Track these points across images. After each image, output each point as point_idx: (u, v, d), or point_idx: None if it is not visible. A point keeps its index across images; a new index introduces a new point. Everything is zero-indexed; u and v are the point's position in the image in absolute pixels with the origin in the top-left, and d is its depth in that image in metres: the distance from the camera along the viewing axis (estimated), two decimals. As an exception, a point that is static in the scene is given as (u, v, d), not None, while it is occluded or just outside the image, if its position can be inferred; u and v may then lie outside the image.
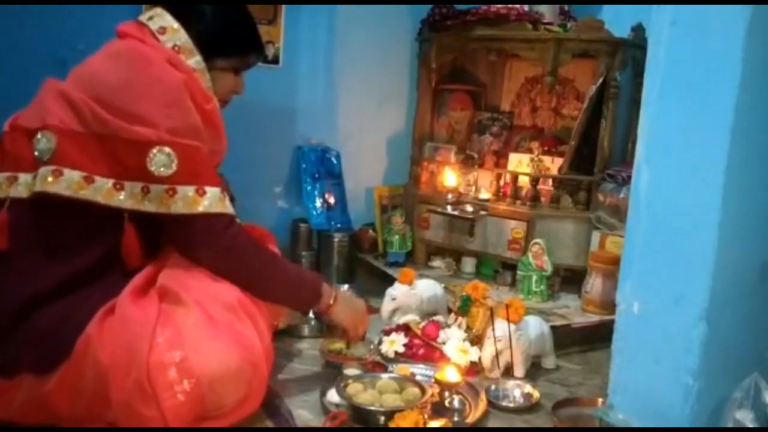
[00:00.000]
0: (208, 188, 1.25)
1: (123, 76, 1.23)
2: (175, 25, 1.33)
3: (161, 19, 1.34)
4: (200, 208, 1.23)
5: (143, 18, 1.35)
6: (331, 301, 1.44)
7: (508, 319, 1.57)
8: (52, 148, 1.20)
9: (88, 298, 1.21)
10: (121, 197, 1.21)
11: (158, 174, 1.20)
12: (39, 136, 1.21)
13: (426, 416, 1.30)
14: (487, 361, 1.59)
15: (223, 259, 1.29)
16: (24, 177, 1.23)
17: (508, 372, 1.61)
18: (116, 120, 1.19)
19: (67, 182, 1.19)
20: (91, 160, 1.21)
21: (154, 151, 1.20)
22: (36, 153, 1.21)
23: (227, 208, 1.28)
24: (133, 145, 1.19)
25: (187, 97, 1.26)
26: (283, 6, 2.24)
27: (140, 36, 1.31)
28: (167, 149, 1.20)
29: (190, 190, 1.23)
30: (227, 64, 1.41)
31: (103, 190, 1.20)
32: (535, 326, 1.64)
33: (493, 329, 1.58)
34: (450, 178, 2.28)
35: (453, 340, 1.63)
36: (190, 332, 1.18)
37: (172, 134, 1.21)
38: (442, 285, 1.93)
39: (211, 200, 1.25)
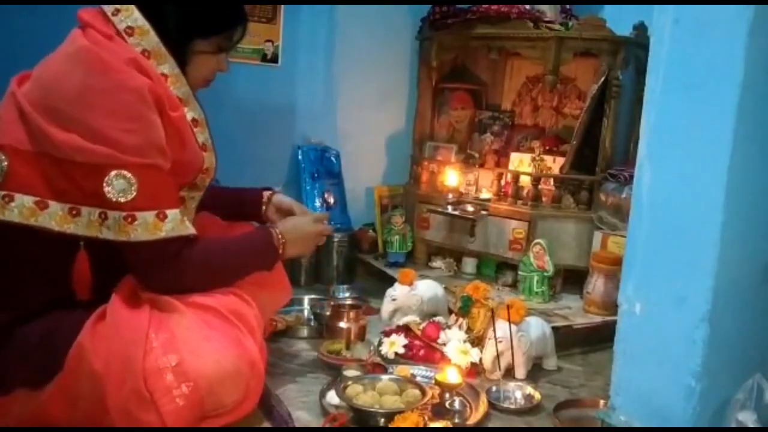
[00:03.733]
0: (169, 211, 1.19)
1: (80, 84, 1.13)
2: (145, 25, 1.22)
3: (129, 15, 1.23)
4: (162, 233, 1.17)
5: (108, 10, 1.24)
6: (281, 249, 1.39)
7: (509, 320, 1.56)
8: (3, 170, 1.14)
9: (68, 313, 1.19)
10: (77, 224, 1.15)
11: (116, 200, 1.13)
12: None
13: (426, 418, 1.29)
14: (487, 363, 1.58)
15: (175, 283, 1.23)
16: None
17: (509, 373, 1.60)
18: (70, 139, 1.11)
19: (18, 208, 1.13)
20: (45, 183, 1.14)
21: (113, 174, 1.12)
22: None
23: (188, 228, 1.22)
24: (90, 168, 1.12)
25: (149, 108, 1.16)
26: (283, 5, 2.24)
27: (106, 31, 1.21)
28: (126, 173, 1.13)
29: (150, 216, 1.16)
30: (209, 47, 1.32)
31: (57, 217, 1.14)
32: (537, 327, 1.63)
33: (494, 330, 1.57)
34: (450, 177, 2.27)
35: (453, 341, 1.62)
36: (184, 335, 1.17)
37: (133, 154, 1.13)
38: (443, 285, 1.92)
39: (173, 224, 1.18)
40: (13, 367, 1.17)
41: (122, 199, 1.14)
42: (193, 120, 1.32)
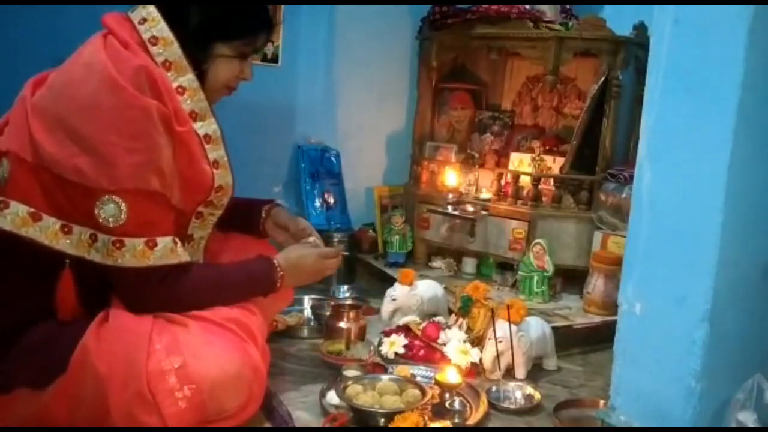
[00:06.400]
0: (159, 239, 1.18)
1: (90, 96, 1.13)
2: (169, 36, 1.23)
3: (153, 24, 1.23)
4: (150, 261, 1.16)
5: (135, 18, 1.24)
6: (279, 283, 1.36)
7: (509, 320, 1.56)
8: (5, 177, 1.14)
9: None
10: (67, 242, 1.14)
11: (106, 224, 1.13)
12: (2, 161, 1.15)
13: (426, 418, 1.29)
14: (487, 363, 1.58)
15: (160, 309, 1.22)
16: None
17: (509, 373, 1.60)
18: (68, 156, 1.11)
19: (12, 216, 1.13)
20: (44, 196, 1.14)
21: (104, 198, 1.12)
22: None
23: (178, 257, 1.21)
24: (83, 189, 1.12)
25: (155, 128, 1.15)
26: (282, 5, 2.23)
27: (126, 39, 1.21)
28: (117, 198, 1.12)
29: (139, 243, 1.15)
30: (230, 51, 1.30)
31: (49, 231, 1.13)
32: (537, 327, 1.63)
33: (494, 330, 1.57)
34: (451, 177, 2.27)
35: (453, 341, 1.62)
36: (187, 339, 1.17)
37: (129, 177, 1.12)
38: (443, 285, 1.92)
39: (162, 252, 1.18)
40: (17, 366, 1.17)
41: (112, 224, 1.13)
42: (206, 136, 1.29)
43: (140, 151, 1.14)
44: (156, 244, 1.17)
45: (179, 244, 1.23)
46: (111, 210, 1.13)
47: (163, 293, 1.22)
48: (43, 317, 1.20)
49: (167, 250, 1.19)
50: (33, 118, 1.15)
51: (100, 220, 1.13)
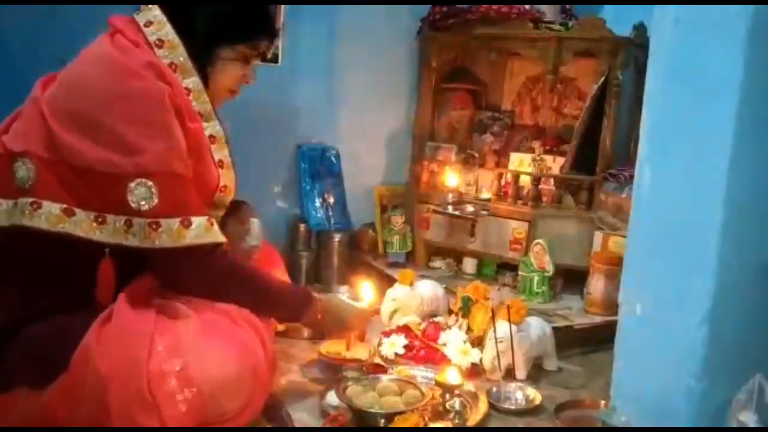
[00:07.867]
0: (194, 218, 1.19)
1: (104, 88, 1.17)
2: (175, 39, 1.26)
3: (159, 28, 1.26)
4: (186, 240, 1.18)
5: (140, 20, 1.28)
6: (319, 316, 1.40)
7: (509, 320, 1.56)
8: (31, 177, 1.15)
9: (75, 315, 1.19)
10: (102, 232, 1.16)
11: (138, 208, 1.15)
12: (19, 162, 1.17)
13: (426, 418, 1.29)
14: (488, 363, 1.58)
15: (202, 289, 1.25)
16: (6, 204, 1.18)
17: (509, 374, 1.60)
18: (91, 148, 1.14)
19: (46, 215, 1.14)
20: (71, 191, 1.16)
21: (133, 184, 1.14)
22: (16, 180, 1.17)
23: (215, 235, 1.23)
24: (111, 178, 1.14)
25: (170, 113, 1.19)
26: (284, 6, 2.23)
27: (135, 39, 1.24)
28: (147, 181, 1.15)
29: (174, 223, 1.17)
30: (234, 55, 1.33)
31: (83, 224, 1.16)
32: (537, 327, 1.63)
33: (494, 330, 1.57)
34: (451, 177, 2.26)
35: (454, 342, 1.62)
36: (189, 340, 1.16)
37: (154, 162, 1.15)
38: (443, 286, 1.92)
39: (197, 230, 1.19)
40: (17, 365, 1.17)
41: (144, 207, 1.15)
42: (211, 137, 1.33)
43: (160, 137, 1.17)
44: (191, 223, 1.19)
45: (215, 224, 1.24)
46: (142, 193, 1.15)
47: (199, 274, 1.24)
48: (74, 302, 1.21)
49: (203, 229, 1.21)
50: (51, 117, 1.16)
51: (133, 205, 1.15)
